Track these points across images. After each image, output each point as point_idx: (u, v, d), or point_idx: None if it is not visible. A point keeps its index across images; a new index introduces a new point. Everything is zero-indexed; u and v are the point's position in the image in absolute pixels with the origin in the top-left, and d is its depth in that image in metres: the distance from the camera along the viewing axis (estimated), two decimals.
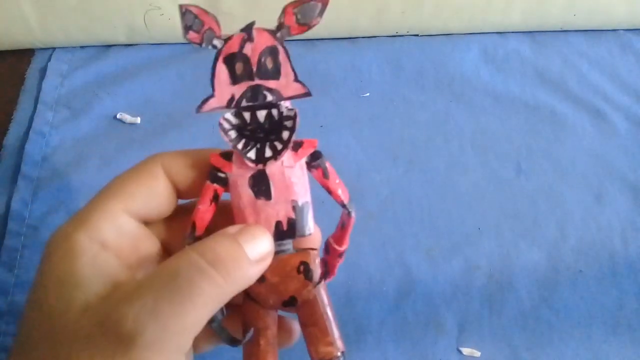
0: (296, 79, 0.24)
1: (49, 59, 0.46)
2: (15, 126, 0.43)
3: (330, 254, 0.27)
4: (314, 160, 0.25)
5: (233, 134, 0.24)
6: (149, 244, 0.24)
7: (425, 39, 0.48)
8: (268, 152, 0.24)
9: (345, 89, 0.46)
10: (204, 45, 0.23)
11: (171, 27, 0.46)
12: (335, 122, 0.44)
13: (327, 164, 0.25)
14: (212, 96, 0.24)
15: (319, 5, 0.24)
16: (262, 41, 0.24)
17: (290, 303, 0.25)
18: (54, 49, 0.47)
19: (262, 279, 0.24)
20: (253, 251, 0.22)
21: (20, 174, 0.40)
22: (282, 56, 0.24)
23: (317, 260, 0.25)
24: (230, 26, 0.52)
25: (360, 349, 0.34)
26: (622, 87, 0.46)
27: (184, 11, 0.23)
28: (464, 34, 0.49)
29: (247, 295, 0.26)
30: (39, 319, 0.21)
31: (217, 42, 0.23)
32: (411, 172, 0.42)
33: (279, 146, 0.24)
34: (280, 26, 0.24)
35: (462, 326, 0.36)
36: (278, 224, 0.24)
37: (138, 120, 0.44)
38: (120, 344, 0.19)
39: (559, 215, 0.40)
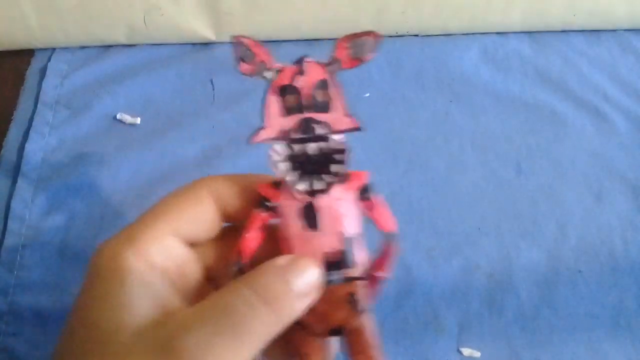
0: (347, 113, 0.24)
1: (49, 59, 0.46)
2: (15, 126, 0.43)
3: (369, 281, 0.26)
4: (364, 192, 0.25)
5: (282, 165, 0.24)
6: (193, 266, 0.24)
7: (425, 39, 0.48)
8: (317, 185, 0.24)
9: (345, 89, 0.46)
10: (255, 77, 0.24)
11: (171, 27, 0.46)
12: None
13: (376, 196, 0.25)
14: (262, 128, 0.24)
15: (372, 41, 0.24)
16: (314, 74, 0.24)
17: (337, 332, 0.25)
18: (53, 49, 0.47)
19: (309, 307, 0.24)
20: (302, 285, 0.22)
21: (20, 174, 0.40)
22: (333, 89, 0.24)
23: (364, 290, 0.25)
24: (230, 26, 0.52)
25: None
26: (622, 87, 0.46)
27: (237, 43, 0.24)
28: (464, 34, 0.49)
29: (295, 322, 0.26)
30: (87, 337, 0.21)
31: (268, 74, 0.24)
32: (411, 172, 0.42)
33: (329, 179, 0.24)
34: (332, 60, 0.24)
35: (462, 326, 0.36)
36: (326, 255, 0.24)
37: (138, 120, 0.44)
38: None
39: (559, 215, 0.40)
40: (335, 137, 0.24)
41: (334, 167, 0.24)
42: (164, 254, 0.23)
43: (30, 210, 0.39)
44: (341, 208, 0.24)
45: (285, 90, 0.24)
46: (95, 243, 0.40)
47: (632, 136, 0.44)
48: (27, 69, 0.47)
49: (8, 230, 0.38)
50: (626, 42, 0.49)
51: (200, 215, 0.24)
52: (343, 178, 0.24)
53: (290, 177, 0.24)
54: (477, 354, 0.35)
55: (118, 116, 0.44)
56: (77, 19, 0.45)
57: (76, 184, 0.40)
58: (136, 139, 0.43)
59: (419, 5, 0.46)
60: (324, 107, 0.24)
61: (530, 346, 0.35)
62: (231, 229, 0.26)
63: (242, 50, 0.24)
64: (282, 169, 0.24)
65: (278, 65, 0.24)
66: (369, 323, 0.26)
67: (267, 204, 0.24)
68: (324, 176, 0.24)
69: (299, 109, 0.24)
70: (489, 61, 0.47)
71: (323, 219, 0.24)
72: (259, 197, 0.24)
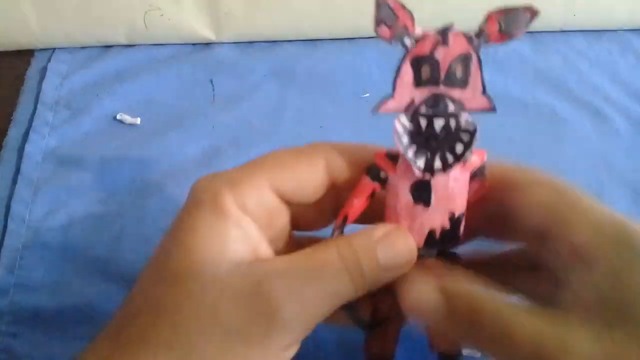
0: (484, 92, 0.23)
1: (49, 60, 0.46)
2: (15, 127, 0.43)
3: None
4: (478, 173, 0.24)
5: (405, 139, 0.23)
6: (284, 221, 0.25)
7: None
8: (437, 164, 0.23)
9: (345, 89, 0.46)
10: (393, 42, 0.22)
11: (171, 27, 0.46)
12: (335, 122, 0.44)
13: (487, 172, 0.25)
14: (391, 97, 0.23)
15: (528, 15, 0.22)
16: (457, 47, 0.22)
17: None
18: (53, 49, 0.47)
19: None
20: (389, 261, 0.23)
21: (20, 174, 0.40)
22: (474, 66, 0.22)
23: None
24: (230, 26, 0.51)
25: (359, 348, 0.34)
26: (623, 87, 0.46)
27: (380, 3, 0.22)
28: None
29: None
30: (184, 259, 0.22)
31: (408, 41, 0.22)
32: None
33: (450, 159, 0.23)
34: (479, 33, 0.22)
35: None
36: (431, 232, 0.24)
37: (138, 120, 0.44)
38: (265, 310, 0.21)
39: None
40: (466, 115, 0.23)
41: (459, 148, 0.23)
42: (258, 203, 0.23)
43: (30, 211, 0.39)
44: (456, 188, 0.23)
45: (422, 60, 0.22)
46: (96, 243, 0.40)
47: (633, 137, 0.44)
48: (27, 70, 0.46)
49: (8, 230, 0.38)
50: (626, 42, 0.49)
51: (307, 177, 0.24)
52: (465, 158, 0.23)
53: (410, 152, 0.23)
54: (477, 354, 0.35)
55: (118, 116, 0.44)
56: (77, 19, 0.45)
57: (76, 185, 0.40)
58: (136, 139, 0.43)
59: (418, 5, 0.46)
60: (461, 83, 0.22)
61: None
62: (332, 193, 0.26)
63: (385, 11, 0.22)
64: (404, 142, 0.23)
65: (420, 32, 0.22)
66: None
67: (381, 173, 0.24)
68: (447, 155, 0.23)
69: (434, 81, 0.22)
70: (488, 61, 0.47)
71: (436, 197, 0.23)
72: (372, 166, 0.24)
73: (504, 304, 0.22)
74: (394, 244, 0.23)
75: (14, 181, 0.40)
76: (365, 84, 0.46)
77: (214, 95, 0.45)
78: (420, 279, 0.24)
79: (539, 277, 0.25)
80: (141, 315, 0.22)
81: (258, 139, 0.43)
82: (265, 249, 0.23)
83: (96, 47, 0.48)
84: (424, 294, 0.23)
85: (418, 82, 0.22)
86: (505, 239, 0.27)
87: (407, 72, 0.22)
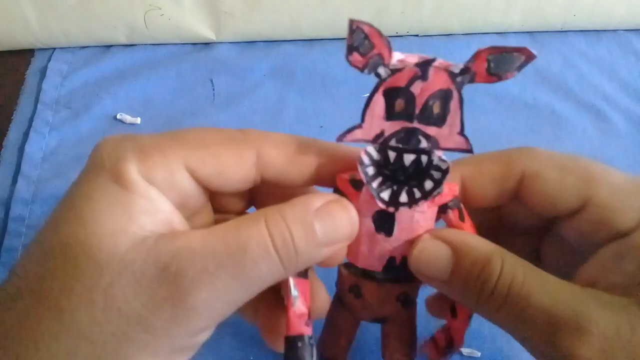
0: (461, 132, 0.21)
1: (49, 59, 0.46)
2: (15, 126, 0.43)
3: (457, 315, 0.25)
4: (446, 207, 0.23)
5: (371, 170, 0.21)
6: (199, 203, 0.23)
7: (425, 39, 0.48)
8: (403, 198, 0.21)
9: (345, 89, 0.46)
10: (366, 72, 0.21)
11: (171, 27, 0.46)
12: (335, 122, 0.44)
13: (462, 205, 0.23)
14: (359, 126, 0.21)
15: (522, 58, 0.20)
16: (437, 82, 0.20)
17: (381, 321, 0.26)
18: (54, 49, 0.47)
19: (359, 295, 0.24)
20: (327, 236, 0.20)
21: (20, 174, 0.40)
22: (454, 103, 0.21)
23: (416, 291, 0.25)
24: (230, 26, 0.51)
25: (360, 349, 0.34)
26: (622, 87, 0.46)
27: (354, 28, 0.20)
28: (464, 34, 0.49)
29: (339, 300, 0.26)
30: (79, 232, 0.18)
31: (383, 71, 0.21)
32: None
33: (418, 194, 0.21)
34: (465, 70, 0.20)
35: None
36: (391, 259, 0.23)
37: (138, 120, 0.44)
38: (171, 295, 0.18)
39: None
40: (439, 153, 0.21)
41: (428, 185, 0.21)
42: (168, 180, 0.20)
43: (30, 211, 0.39)
44: (421, 220, 0.22)
45: (397, 93, 0.21)
46: None
47: (632, 136, 0.44)
48: (27, 69, 0.46)
49: (8, 230, 0.38)
50: (626, 42, 0.49)
51: (232, 167, 0.21)
52: (433, 197, 0.22)
53: (375, 184, 0.21)
54: (477, 354, 0.35)
55: (118, 116, 0.44)
56: (77, 19, 0.45)
57: None
58: None
59: (418, 5, 0.46)
60: (438, 120, 0.21)
61: None
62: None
63: (359, 38, 0.20)
64: (369, 173, 0.21)
65: (397, 62, 0.20)
66: (412, 317, 0.26)
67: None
68: (415, 191, 0.21)
69: (408, 116, 0.21)
70: None
71: (399, 229, 0.22)
72: (334, 189, 0.23)
73: (519, 263, 0.20)
74: (335, 215, 0.21)
75: (14, 181, 0.40)
76: (366, 83, 0.45)
77: (213, 95, 0.45)
78: (428, 236, 0.22)
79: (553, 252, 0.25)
80: (22, 298, 0.18)
81: None
82: (179, 223, 0.20)
83: (96, 46, 0.48)
84: (431, 247, 0.22)
85: (390, 114, 0.21)
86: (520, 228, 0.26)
87: (379, 102, 0.21)
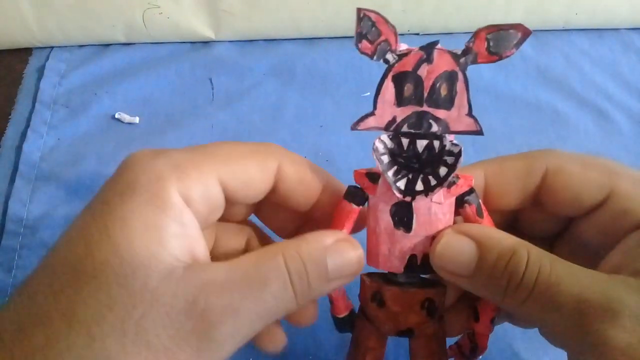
0: (469, 113, 0.21)
1: (47, 58, 0.46)
2: (13, 125, 0.43)
3: (480, 319, 0.25)
4: (467, 195, 0.23)
5: (386, 158, 0.22)
6: (218, 216, 0.23)
7: (426, 37, 0.48)
8: (419, 186, 0.22)
9: (345, 88, 0.45)
10: (375, 58, 0.21)
11: (170, 25, 0.46)
12: (335, 122, 0.43)
13: (480, 201, 0.23)
14: (372, 114, 0.22)
15: (519, 35, 0.20)
16: (442, 64, 0.21)
17: (406, 334, 0.24)
18: (52, 48, 0.47)
19: (382, 304, 0.24)
20: (336, 270, 0.21)
21: (18, 173, 0.40)
22: (460, 85, 0.21)
23: (442, 298, 0.24)
24: (230, 24, 0.51)
25: None
26: (625, 85, 0.46)
27: (362, 16, 0.20)
28: (465, 32, 0.48)
29: (363, 313, 0.25)
30: (102, 268, 0.18)
31: (391, 57, 0.21)
32: None
33: (433, 182, 0.22)
34: (466, 51, 0.21)
35: None
36: (412, 257, 0.23)
37: (137, 119, 0.43)
38: (198, 329, 0.19)
39: None
40: (450, 137, 0.22)
41: (442, 171, 0.22)
42: (204, 195, 0.21)
43: (28, 210, 0.39)
44: (440, 213, 0.22)
45: (405, 77, 0.21)
46: None
47: (635, 135, 0.44)
48: (25, 68, 0.46)
49: (6, 230, 0.38)
50: (628, 40, 0.49)
51: (257, 178, 0.22)
52: (450, 183, 0.22)
53: (391, 173, 0.22)
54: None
55: (117, 115, 0.44)
56: (75, 17, 0.45)
57: (74, 184, 0.40)
58: (135, 138, 0.43)
59: (419, 4, 0.46)
60: (445, 103, 0.21)
61: (531, 349, 0.35)
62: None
63: (367, 26, 0.20)
64: (384, 161, 0.22)
65: (403, 47, 0.21)
66: (440, 331, 0.25)
67: (359, 193, 0.23)
68: (430, 178, 0.22)
69: (417, 100, 0.21)
70: None
71: (418, 222, 0.22)
72: (349, 188, 0.23)
73: (545, 254, 0.21)
74: (344, 253, 0.22)
75: (12, 180, 0.40)
76: (366, 82, 0.45)
77: (213, 94, 0.45)
78: (451, 231, 0.22)
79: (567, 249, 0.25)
80: (50, 320, 0.18)
81: (258, 138, 0.43)
82: (201, 248, 0.21)
83: (95, 45, 0.47)
84: (455, 242, 0.22)
85: (400, 100, 0.21)
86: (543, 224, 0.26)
87: (389, 89, 0.21)
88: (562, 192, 0.23)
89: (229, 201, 0.23)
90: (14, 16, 0.45)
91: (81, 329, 0.18)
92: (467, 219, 0.23)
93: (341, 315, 0.25)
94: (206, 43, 0.48)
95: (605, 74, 0.47)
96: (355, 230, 0.24)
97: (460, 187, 0.22)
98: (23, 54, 0.47)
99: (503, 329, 0.36)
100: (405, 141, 0.22)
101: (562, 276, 0.20)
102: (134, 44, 0.47)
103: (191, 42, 0.48)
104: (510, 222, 0.27)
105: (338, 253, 0.21)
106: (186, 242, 0.20)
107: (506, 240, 0.21)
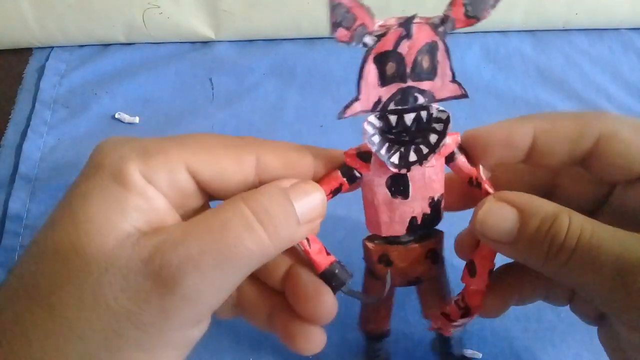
0: (453, 79, 0.22)
1: (47, 58, 0.46)
2: (13, 125, 0.43)
3: (477, 273, 0.25)
4: (453, 155, 0.24)
5: (376, 138, 0.22)
6: (198, 205, 0.23)
7: None
8: (412, 157, 0.22)
9: (345, 88, 0.45)
10: (353, 44, 0.21)
11: (170, 25, 0.46)
12: (335, 121, 0.43)
13: (460, 155, 0.24)
14: (356, 99, 0.21)
15: None
16: (422, 37, 0.21)
17: (414, 282, 0.26)
18: (52, 47, 0.47)
19: (389, 263, 0.25)
20: (304, 212, 0.21)
21: (18, 173, 0.40)
22: (441, 54, 0.21)
23: (443, 242, 0.26)
24: (230, 24, 0.51)
25: (360, 348, 0.34)
26: (624, 85, 0.46)
27: (335, 4, 0.20)
28: (466, 32, 0.48)
29: (371, 273, 0.26)
30: (62, 242, 0.19)
31: (369, 40, 0.21)
32: None
33: (425, 150, 0.22)
34: (444, 19, 0.21)
35: (464, 327, 0.36)
36: (413, 219, 0.24)
37: (136, 119, 0.43)
38: (158, 287, 0.18)
39: None
40: (437, 105, 0.22)
41: (433, 138, 0.22)
42: (170, 180, 0.21)
43: (28, 210, 0.39)
44: (433, 174, 0.23)
45: (386, 57, 0.21)
46: None
47: None
48: (25, 68, 0.46)
49: (6, 230, 0.38)
50: (628, 40, 0.49)
51: (231, 170, 0.22)
52: (440, 148, 0.22)
53: (384, 151, 0.22)
54: (479, 355, 0.34)
55: (117, 115, 0.44)
56: (75, 17, 0.45)
57: None
58: None
59: (419, 4, 0.46)
60: (429, 75, 0.21)
61: (532, 347, 0.35)
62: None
63: (340, 13, 0.20)
64: (375, 141, 0.22)
65: (381, 27, 0.21)
66: (443, 269, 0.27)
67: (353, 172, 0.23)
68: (422, 147, 0.22)
69: (401, 77, 0.21)
70: (490, 60, 0.47)
71: (414, 188, 0.23)
72: (344, 166, 0.23)
73: (586, 219, 0.21)
74: (306, 192, 0.21)
75: (12, 180, 0.40)
76: None
77: (213, 94, 0.45)
78: (492, 198, 0.22)
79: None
80: (17, 297, 0.19)
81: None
82: (173, 219, 0.21)
83: (95, 45, 0.47)
84: (496, 210, 0.22)
85: (383, 80, 0.21)
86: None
87: (371, 71, 0.21)
88: (614, 158, 0.23)
89: (207, 192, 0.22)
90: (14, 16, 0.45)
91: (41, 302, 0.18)
92: (458, 172, 0.24)
93: (321, 270, 0.24)
94: (206, 43, 0.48)
95: (605, 73, 0.47)
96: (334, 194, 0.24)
97: (450, 148, 0.23)
98: (23, 53, 0.47)
99: (503, 329, 0.36)
100: (393, 118, 0.22)
101: (603, 238, 0.20)
102: (134, 44, 0.47)
103: (191, 42, 0.48)
104: (549, 188, 0.26)
105: (301, 192, 0.21)
106: (151, 215, 0.20)
107: (548, 206, 0.21)
